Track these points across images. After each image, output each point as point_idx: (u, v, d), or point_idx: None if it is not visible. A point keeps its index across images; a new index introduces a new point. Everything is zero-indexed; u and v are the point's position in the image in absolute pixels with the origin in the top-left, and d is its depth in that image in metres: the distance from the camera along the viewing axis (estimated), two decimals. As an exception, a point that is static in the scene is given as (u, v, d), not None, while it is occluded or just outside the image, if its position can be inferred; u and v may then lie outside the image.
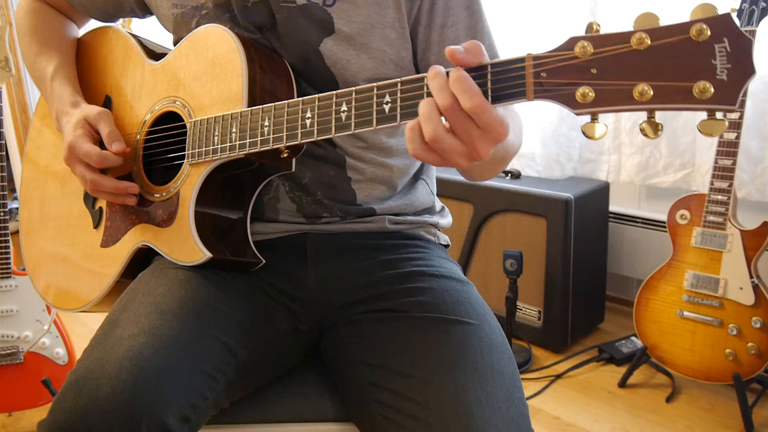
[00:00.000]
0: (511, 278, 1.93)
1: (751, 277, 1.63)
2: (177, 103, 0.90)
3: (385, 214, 0.96)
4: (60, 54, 1.03)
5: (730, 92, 0.53)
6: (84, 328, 2.30)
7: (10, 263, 1.64)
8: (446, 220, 1.06)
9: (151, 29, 1.08)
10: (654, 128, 0.57)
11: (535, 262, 2.07)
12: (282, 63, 0.87)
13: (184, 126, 0.88)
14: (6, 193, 1.61)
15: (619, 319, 2.31)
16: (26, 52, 1.06)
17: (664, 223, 1.81)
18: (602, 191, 2.18)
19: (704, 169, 1.97)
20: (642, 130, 0.58)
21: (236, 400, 0.85)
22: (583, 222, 2.05)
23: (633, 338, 2.10)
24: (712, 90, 0.53)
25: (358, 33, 0.86)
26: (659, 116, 0.58)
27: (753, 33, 1.55)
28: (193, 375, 0.75)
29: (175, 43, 0.96)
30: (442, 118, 0.62)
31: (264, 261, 0.90)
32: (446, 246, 1.05)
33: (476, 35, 0.88)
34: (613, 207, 2.27)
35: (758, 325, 1.62)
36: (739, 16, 1.57)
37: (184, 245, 0.85)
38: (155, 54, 0.98)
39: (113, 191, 0.90)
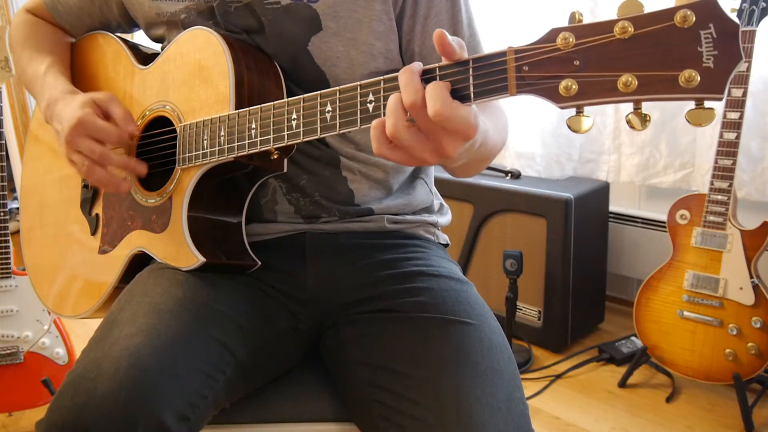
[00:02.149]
0: (511, 278, 1.93)
1: (751, 277, 1.63)
2: (167, 107, 0.90)
3: (384, 213, 0.96)
4: (52, 55, 1.02)
5: (718, 80, 0.51)
6: (84, 328, 2.30)
7: (10, 263, 1.64)
8: (445, 218, 1.05)
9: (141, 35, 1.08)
10: (641, 120, 0.56)
11: (535, 262, 2.07)
12: (270, 62, 0.87)
13: (175, 130, 0.88)
14: (6, 193, 1.61)
15: (619, 319, 2.31)
16: (18, 59, 1.06)
17: (664, 223, 1.81)
18: (602, 191, 2.18)
19: (704, 169, 1.97)
20: (628, 122, 0.56)
21: (237, 400, 0.85)
22: (583, 222, 2.05)
23: (633, 338, 2.10)
24: (699, 78, 0.51)
25: (346, 28, 0.85)
26: (646, 106, 0.56)
27: (753, 33, 1.55)
28: (190, 374, 0.75)
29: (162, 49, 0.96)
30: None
31: (260, 263, 0.90)
32: (446, 245, 1.05)
33: (457, 26, 0.88)
34: (613, 207, 2.27)
35: (758, 325, 1.62)
36: (739, 16, 1.57)
37: (178, 250, 0.85)
38: (145, 58, 0.98)
39: (123, 166, 0.87)
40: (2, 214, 1.61)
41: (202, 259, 0.83)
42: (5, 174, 1.62)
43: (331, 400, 0.88)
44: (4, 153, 1.61)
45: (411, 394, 0.74)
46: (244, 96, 0.82)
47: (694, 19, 0.51)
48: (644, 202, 2.28)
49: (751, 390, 1.78)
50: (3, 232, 1.62)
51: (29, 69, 1.02)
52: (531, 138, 2.27)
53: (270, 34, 0.87)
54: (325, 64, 0.87)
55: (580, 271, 2.07)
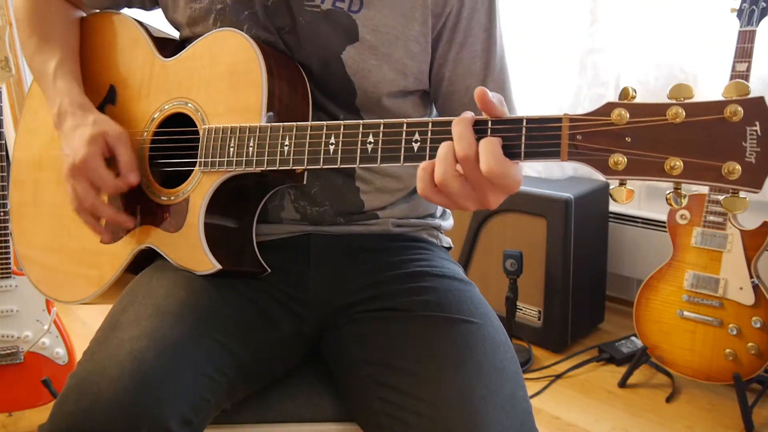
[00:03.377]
0: (511, 278, 1.93)
1: (751, 277, 1.63)
2: (189, 105, 0.88)
3: (388, 217, 0.96)
4: (61, 49, 0.99)
5: (757, 175, 0.55)
6: (84, 327, 2.30)
7: (10, 263, 1.64)
8: (448, 222, 1.06)
9: (154, 19, 1.05)
10: (680, 198, 0.59)
11: (535, 262, 2.07)
12: (299, 75, 0.86)
13: (195, 130, 0.87)
14: (6, 193, 1.61)
15: (619, 319, 2.31)
16: (25, 43, 1.02)
17: (664, 223, 1.81)
18: (602, 191, 2.18)
19: (704, 169, 1.97)
20: (667, 200, 0.59)
21: (238, 401, 0.85)
22: (583, 222, 2.05)
23: (633, 338, 2.10)
24: (740, 171, 0.55)
25: (382, 43, 0.85)
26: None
27: (753, 33, 1.55)
28: (194, 377, 0.74)
29: (185, 39, 0.94)
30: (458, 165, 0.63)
31: (269, 270, 0.89)
32: (448, 248, 1.05)
33: (490, 58, 0.89)
34: (613, 207, 2.27)
35: (758, 325, 1.62)
36: (739, 16, 1.57)
37: (192, 254, 0.85)
38: (165, 47, 0.96)
39: (111, 221, 0.89)
40: (2, 214, 1.60)
41: (219, 266, 0.83)
42: (5, 174, 1.61)
43: (333, 400, 0.88)
44: (4, 153, 1.61)
45: (415, 391, 0.74)
46: (275, 108, 0.81)
47: (742, 114, 0.55)
48: (644, 202, 2.28)
49: (751, 390, 1.78)
50: (3, 232, 1.62)
51: (37, 59, 0.99)
52: (531, 138, 2.27)
53: (303, 35, 0.86)
54: (356, 75, 0.86)
55: (580, 271, 2.07)
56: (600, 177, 0.60)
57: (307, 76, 0.87)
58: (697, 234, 1.70)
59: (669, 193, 0.59)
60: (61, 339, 1.70)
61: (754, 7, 1.55)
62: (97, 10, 1.05)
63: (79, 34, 1.03)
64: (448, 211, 1.07)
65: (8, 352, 1.65)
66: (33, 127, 1.09)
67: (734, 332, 1.66)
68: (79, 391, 0.70)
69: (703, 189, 1.77)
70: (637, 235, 2.26)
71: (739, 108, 0.55)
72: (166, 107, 0.91)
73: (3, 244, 1.63)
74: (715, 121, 0.56)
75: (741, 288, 1.64)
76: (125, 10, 1.05)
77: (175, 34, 1.00)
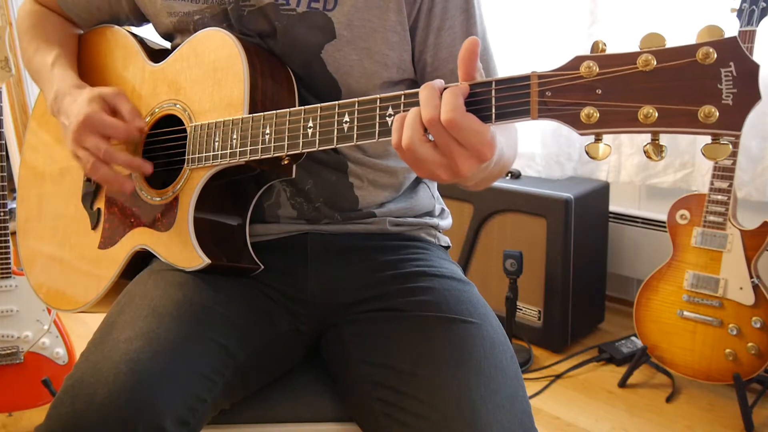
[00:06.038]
0: (511, 278, 1.93)
1: (751, 277, 1.63)
2: (177, 106, 0.89)
3: (386, 216, 0.96)
4: (60, 47, 1.02)
5: (736, 117, 0.53)
6: (84, 328, 2.30)
7: (10, 263, 1.64)
8: (446, 221, 1.06)
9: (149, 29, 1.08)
10: (658, 150, 0.57)
11: (535, 262, 2.07)
12: (284, 70, 0.87)
13: (185, 130, 0.87)
14: (6, 193, 1.61)
15: (619, 319, 2.31)
16: (25, 49, 1.05)
17: (664, 223, 1.81)
18: (602, 191, 2.18)
19: (704, 169, 1.97)
20: (645, 152, 0.58)
21: (237, 401, 0.85)
22: (583, 222, 2.05)
23: (633, 338, 2.10)
24: (717, 114, 0.53)
25: (360, 37, 0.85)
26: (663, 138, 0.57)
27: (753, 33, 1.55)
28: (190, 378, 0.74)
29: (174, 48, 0.95)
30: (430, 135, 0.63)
31: (262, 267, 0.90)
32: (447, 247, 1.05)
33: None
34: (613, 207, 2.27)
35: (758, 325, 1.62)
36: (739, 16, 1.57)
37: (183, 250, 0.85)
38: (155, 54, 0.97)
39: (128, 165, 0.87)
40: (2, 214, 1.60)
41: (207, 261, 0.83)
42: (5, 174, 1.62)
43: (332, 400, 0.88)
44: (4, 153, 1.61)
45: (414, 392, 0.74)
46: (258, 101, 0.81)
47: (715, 56, 0.53)
48: (644, 202, 2.28)
49: (751, 390, 1.78)
50: (3, 232, 1.62)
51: (36, 59, 1.02)
52: (531, 138, 2.27)
53: (282, 39, 0.86)
54: (338, 72, 0.86)
55: (580, 271, 2.07)
56: (575, 132, 0.58)
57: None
58: (697, 234, 1.70)
59: (646, 145, 0.57)
60: (61, 339, 1.71)
61: (754, 7, 1.54)
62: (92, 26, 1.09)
63: (77, 45, 1.07)
64: (446, 210, 1.07)
65: (8, 352, 1.66)
66: (36, 144, 1.12)
67: (734, 332, 1.66)
68: (74, 392, 0.70)
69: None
70: (637, 235, 2.26)
71: (712, 50, 0.53)
72: (156, 110, 0.92)
73: (3, 244, 1.63)
74: (687, 65, 0.54)
75: (741, 288, 1.64)
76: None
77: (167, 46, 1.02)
